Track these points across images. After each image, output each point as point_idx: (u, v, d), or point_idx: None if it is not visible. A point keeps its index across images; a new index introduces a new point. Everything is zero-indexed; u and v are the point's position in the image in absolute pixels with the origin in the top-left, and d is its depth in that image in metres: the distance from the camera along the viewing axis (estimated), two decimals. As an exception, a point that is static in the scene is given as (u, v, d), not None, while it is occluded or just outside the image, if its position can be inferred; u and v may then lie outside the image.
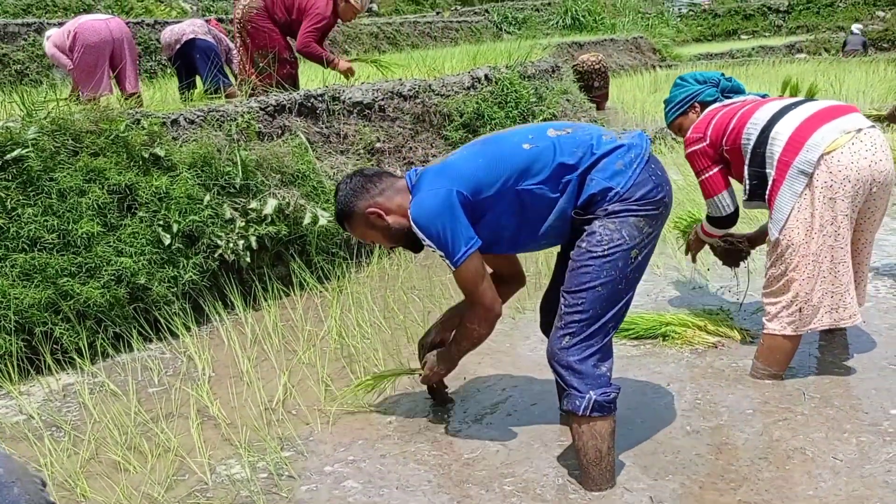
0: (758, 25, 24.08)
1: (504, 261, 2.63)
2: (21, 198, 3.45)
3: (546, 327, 2.57)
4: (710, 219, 3.11)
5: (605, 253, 2.13)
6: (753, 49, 18.98)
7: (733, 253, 3.30)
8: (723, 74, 3.27)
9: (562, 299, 2.20)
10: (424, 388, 2.86)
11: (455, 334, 2.49)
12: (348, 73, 5.51)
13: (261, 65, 5.20)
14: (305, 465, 2.49)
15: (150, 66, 11.21)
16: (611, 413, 2.17)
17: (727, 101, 3.10)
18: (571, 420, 2.21)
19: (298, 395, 2.98)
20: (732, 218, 3.06)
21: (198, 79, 6.81)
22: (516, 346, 3.38)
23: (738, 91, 3.19)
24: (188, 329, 3.66)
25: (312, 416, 2.80)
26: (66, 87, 6.58)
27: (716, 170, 2.99)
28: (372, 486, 2.34)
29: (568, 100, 7.27)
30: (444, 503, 2.23)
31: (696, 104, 3.20)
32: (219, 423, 2.79)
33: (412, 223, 2.22)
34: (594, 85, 10.32)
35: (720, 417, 2.63)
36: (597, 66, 10.39)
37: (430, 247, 2.22)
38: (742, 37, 23.47)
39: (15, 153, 3.46)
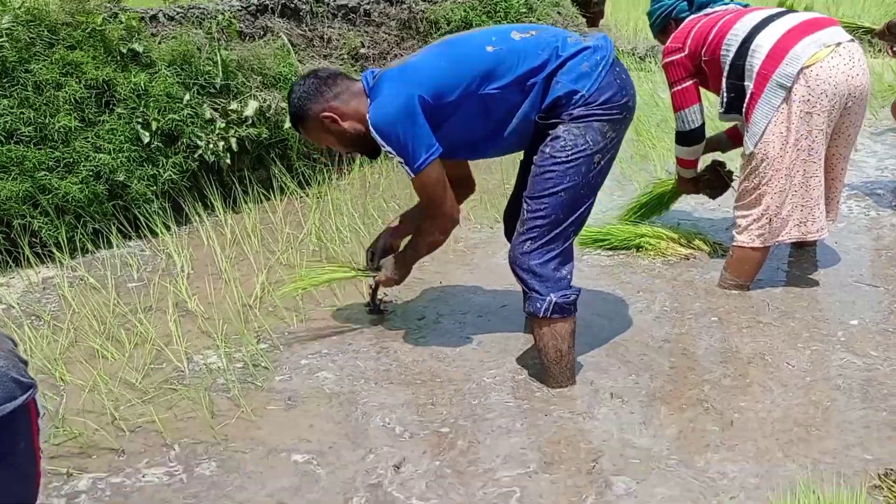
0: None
1: (454, 166, 2.54)
2: (-4, 89, 3.40)
3: (510, 234, 2.61)
4: (677, 136, 3.11)
5: (569, 158, 2.14)
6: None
7: (717, 182, 3.31)
8: None
9: (524, 205, 2.22)
10: (396, 290, 2.90)
11: (411, 241, 2.48)
12: None
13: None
14: (280, 357, 2.55)
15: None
16: (570, 315, 2.23)
17: (707, 11, 3.07)
18: (533, 322, 2.27)
19: (275, 294, 3.03)
20: (698, 133, 3.06)
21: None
22: (493, 254, 3.42)
23: (715, 0, 3.15)
24: (168, 228, 3.67)
25: (288, 314, 2.85)
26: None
27: (690, 82, 3.00)
28: (346, 378, 2.41)
29: (559, 12, 7.13)
30: (422, 395, 2.31)
31: (671, 21, 3.20)
32: (196, 316, 2.84)
33: (371, 128, 2.18)
34: (592, 0, 10.02)
35: (686, 325, 2.71)
36: (599, -20, 10.06)
37: (390, 153, 2.20)
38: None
39: (-11, 42, 3.38)
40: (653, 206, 3.57)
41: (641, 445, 2.03)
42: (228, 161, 4.02)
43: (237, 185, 4.04)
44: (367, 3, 5.23)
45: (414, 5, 5.50)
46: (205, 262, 3.37)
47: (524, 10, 6.16)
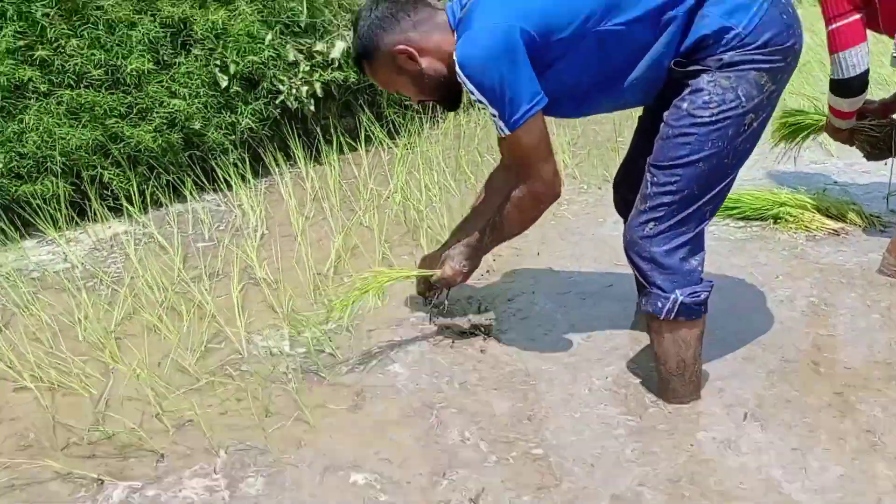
0: None
1: None
2: (66, 27, 3.15)
3: (622, 205, 2.15)
4: (834, 85, 2.54)
5: (714, 118, 1.66)
6: None
7: (883, 144, 2.71)
8: None
9: (648, 175, 1.75)
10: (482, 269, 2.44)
11: (495, 218, 2.00)
12: None
13: None
14: (348, 343, 2.22)
15: None
16: (700, 317, 1.79)
17: None
18: (650, 322, 1.84)
19: (351, 263, 2.70)
20: (862, 80, 2.49)
21: None
22: (602, 222, 2.98)
23: None
24: (245, 181, 3.41)
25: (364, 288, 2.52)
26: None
27: (856, 16, 2.43)
28: (423, 375, 2.06)
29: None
30: (512, 402, 1.94)
31: None
32: (264, 286, 2.55)
33: (458, 69, 1.69)
34: None
35: (839, 324, 2.21)
36: None
37: (480, 102, 1.73)
38: None
39: (57, -23, 3.13)
40: (787, 134, 3.00)
41: (788, 493, 1.59)
42: (312, 108, 3.71)
43: (320, 135, 3.72)
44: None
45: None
46: (281, 220, 3.08)
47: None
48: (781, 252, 2.62)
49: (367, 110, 3.94)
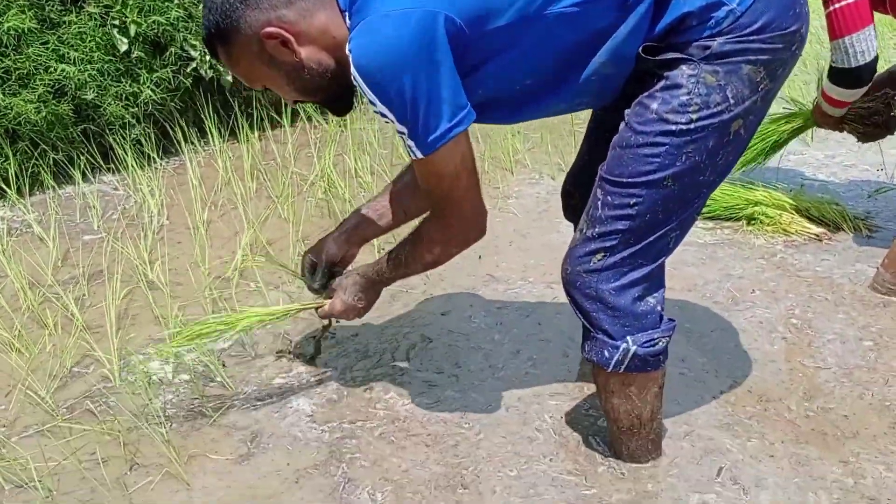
0: None
1: None
2: (-74, -25, 2.65)
3: (573, 213, 1.72)
4: (836, 73, 2.19)
5: (692, 126, 1.25)
6: None
7: (880, 120, 2.36)
8: None
9: (599, 192, 1.34)
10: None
11: (402, 249, 1.54)
12: None
13: None
14: (245, 369, 1.83)
15: None
16: (657, 368, 1.41)
17: None
18: (596, 373, 1.46)
19: (261, 264, 2.30)
20: (870, 68, 2.15)
21: None
22: (557, 221, 2.60)
23: None
24: (150, 160, 2.96)
25: (271, 294, 2.13)
26: None
27: None
28: (334, 414, 1.69)
29: None
30: (438, 458, 1.58)
31: None
32: (153, 291, 2.14)
33: (354, 70, 1.22)
34: None
35: (828, 353, 1.88)
36: None
37: (384, 116, 1.25)
38: None
39: (-84, -86, 2.62)
40: (767, 151, 2.64)
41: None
42: (230, 78, 3.25)
43: (238, 109, 3.27)
44: None
45: None
46: (187, 208, 2.64)
47: None
48: (758, 261, 2.29)
49: (296, 82, 3.50)
